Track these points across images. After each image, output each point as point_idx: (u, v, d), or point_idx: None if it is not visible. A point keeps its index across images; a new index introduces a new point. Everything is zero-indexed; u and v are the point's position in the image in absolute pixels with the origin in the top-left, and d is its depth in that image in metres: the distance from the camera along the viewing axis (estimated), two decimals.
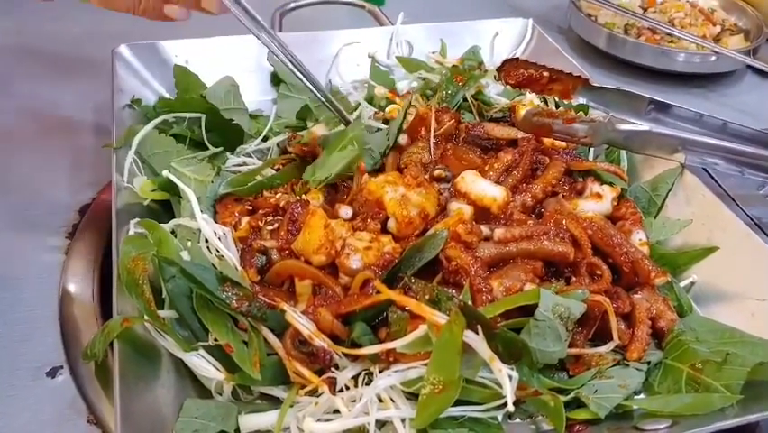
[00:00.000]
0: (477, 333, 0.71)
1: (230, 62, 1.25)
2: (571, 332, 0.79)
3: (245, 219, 0.93)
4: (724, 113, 1.09)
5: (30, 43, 1.51)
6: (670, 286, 0.93)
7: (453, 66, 1.29)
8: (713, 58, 1.55)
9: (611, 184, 1.03)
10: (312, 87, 1.05)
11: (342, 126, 1.07)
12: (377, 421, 0.73)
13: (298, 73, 1.03)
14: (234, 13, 0.98)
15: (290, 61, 1.02)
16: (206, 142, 1.07)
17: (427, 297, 0.77)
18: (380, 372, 0.76)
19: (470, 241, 0.85)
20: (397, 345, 0.74)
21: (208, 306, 0.77)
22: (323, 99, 1.06)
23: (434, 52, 1.38)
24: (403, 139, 1.04)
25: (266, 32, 1.02)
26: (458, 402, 0.70)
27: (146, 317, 0.77)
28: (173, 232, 0.91)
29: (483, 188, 0.93)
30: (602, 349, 0.82)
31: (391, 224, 0.88)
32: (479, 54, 1.37)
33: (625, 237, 0.92)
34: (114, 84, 1.14)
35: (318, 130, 1.07)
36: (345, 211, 0.92)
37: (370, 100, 1.25)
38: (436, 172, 0.99)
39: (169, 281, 0.78)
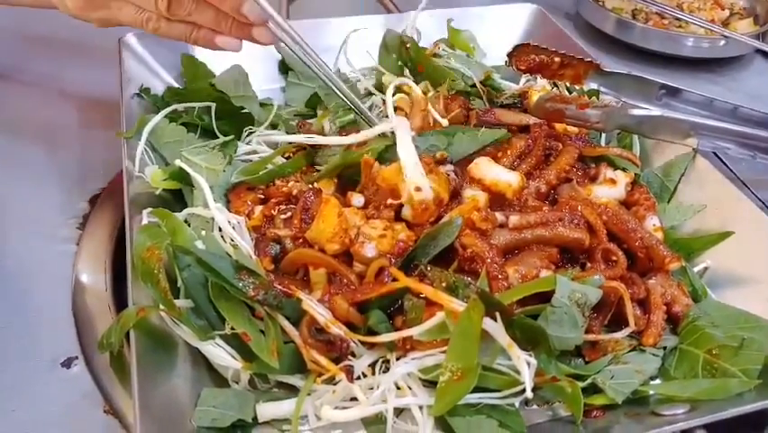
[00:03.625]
0: (495, 320, 0.71)
1: None
2: (588, 318, 0.79)
3: (258, 208, 0.93)
4: (733, 98, 1.08)
5: (34, 33, 1.50)
6: (684, 271, 0.92)
7: None
8: (722, 42, 1.54)
9: (624, 170, 1.02)
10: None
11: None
12: (394, 409, 0.73)
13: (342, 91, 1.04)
14: (285, 44, 1.03)
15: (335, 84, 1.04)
16: (216, 131, 1.06)
17: (444, 284, 0.77)
18: (397, 359, 0.76)
19: (485, 228, 0.85)
20: (414, 332, 0.74)
21: (224, 295, 0.77)
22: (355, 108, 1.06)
23: (441, 39, 1.37)
24: None
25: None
26: (475, 389, 0.70)
27: (162, 307, 0.77)
28: (186, 221, 0.90)
29: (497, 173, 0.92)
30: (618, 335, 0.82)
31: (406, 211, 0.88)
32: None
33: (639, 223, 0.92)
34: (122, 73, 1.13)
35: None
36: (358, 199, 0.92)
37: (379, 87, 1.24)
38: (438, 154, 0.98)
39: (184, 270, 0.78)
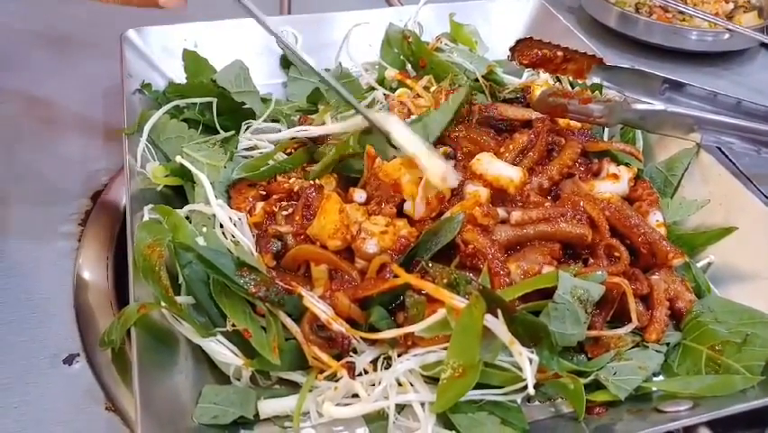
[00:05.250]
0: (497, 316, 0.70)
1: (239, 45, 1.24)
2: (590, 314, 0.79)
3: (260, 205, 0.93)
4: (737, 92, 1.07)
5: (37, 28, 1.49)
6: (687, 267, 0.92)
7: None
8: (726, 36, 1.53)
9: (627, 165, 1.02)
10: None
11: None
12: (396, 405, 0.73)
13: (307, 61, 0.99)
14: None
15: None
16: (218, 127, 1.06)
17: (445, 281, 0.77)
18: (399, 356, 0.76)
19: (487, 224, 0.85)
20: (415, 328, 0.74)
21: (225, 291, 0.77)
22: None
23: (443, 34, 1.37)
24: None
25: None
26: (477, 386, 0.70)
27: (163, 304, 0.76)
28: (187, 218, 0.90)
29: (499, 168, 0.92)
30: (621, 331, 0.82)
31: (409, 206, 0.88)
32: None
33: (642, 218, 0.92)
34: (123, 69, 1.13)
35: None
36: (360, 195, 0.91)
37: (381, 82, 1.24)
38: (441, 150, 0.98)
39: (185, 267, 0.78)
